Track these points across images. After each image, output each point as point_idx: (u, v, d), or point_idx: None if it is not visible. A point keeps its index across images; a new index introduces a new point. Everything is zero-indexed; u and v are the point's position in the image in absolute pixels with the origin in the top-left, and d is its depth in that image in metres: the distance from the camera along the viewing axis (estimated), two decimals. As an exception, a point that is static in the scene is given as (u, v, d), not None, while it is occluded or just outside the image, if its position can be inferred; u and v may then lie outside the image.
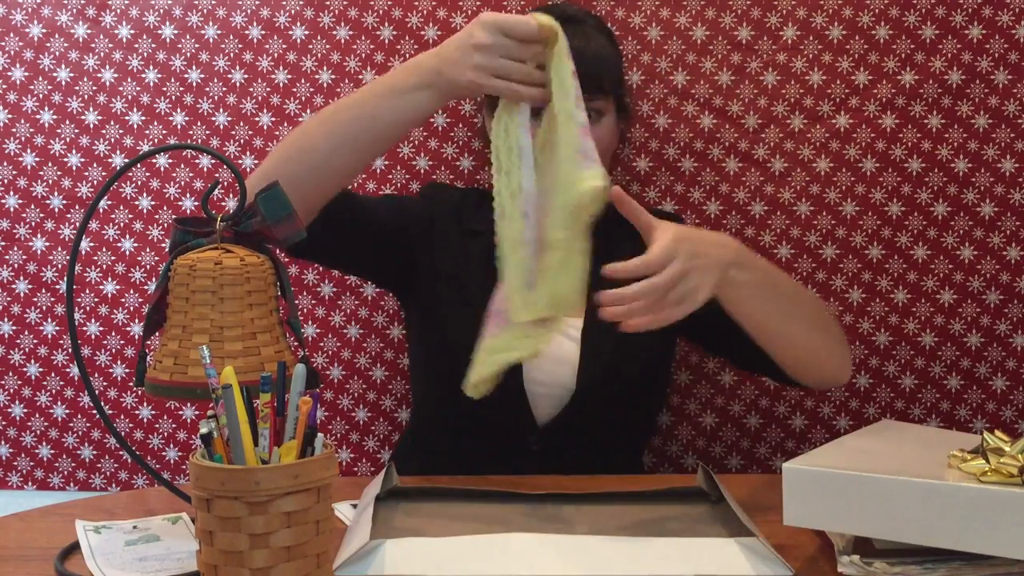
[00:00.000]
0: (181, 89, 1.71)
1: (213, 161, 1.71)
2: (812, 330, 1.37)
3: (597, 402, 1.43)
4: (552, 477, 1.32)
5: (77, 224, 1.71)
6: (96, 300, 1.73)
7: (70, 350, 1.72)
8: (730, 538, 1.06)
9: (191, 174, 1.72)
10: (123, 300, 1.72)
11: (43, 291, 1.73)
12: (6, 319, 1.74)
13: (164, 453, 1.74)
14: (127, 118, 1.71)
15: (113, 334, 1.73)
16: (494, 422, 1.42)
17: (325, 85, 1.70)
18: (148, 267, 1.72)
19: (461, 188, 1.66)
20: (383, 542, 1.04)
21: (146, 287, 1.72)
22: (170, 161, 1.71)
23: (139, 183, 1.71)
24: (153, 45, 1.70)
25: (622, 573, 1.01)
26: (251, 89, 1.70)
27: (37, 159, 1.72)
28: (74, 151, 1.72)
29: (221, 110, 1.71)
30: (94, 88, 1.71)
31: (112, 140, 1.71)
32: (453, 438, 1.47)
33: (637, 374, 1.46)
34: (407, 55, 1.68)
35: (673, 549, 1.04)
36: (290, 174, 1.24)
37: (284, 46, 1.70)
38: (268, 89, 1.70)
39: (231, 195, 1.71)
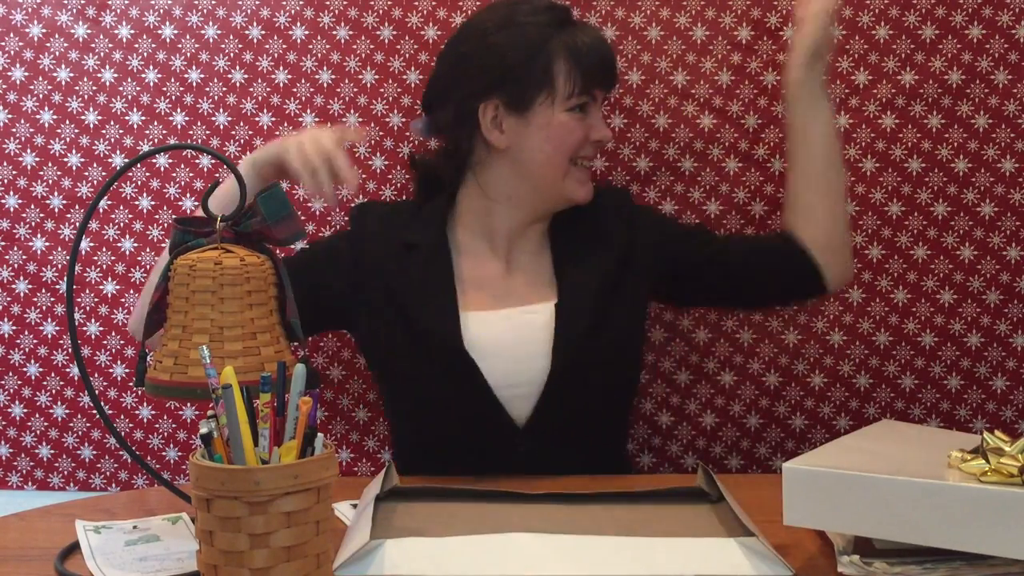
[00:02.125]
0: (181, 89, 1.71)
1: (213, 161, 1.71)
2: (842, 196, 1.54)
3: (572, 388, 1.42)
4: (551, 479, 1.32)
5: (77, 224, 1.71)
6: (96, 300, 1.73)
7: (70, 350, 1.72)
8: (730, 538, 1.06)
9: (191, 174, 1.72)
10: (123, 300, 1.72)
11: (43, 291, 1.73)
12: (6, 319, 1.74)
13: (164, 453, 1.74)
14: (127, 118, 1.71)
15: (113, 334, 1.73)
16: (474, 438, 1.42)
17: (325, 85, 1.70)
18: (148, 267, 1.72)
19: (392, 203, 1.66)
20: (383, 542, 1.04)
21: (146, 287, 1.72)
22: (170, 161, 1.71)
23: (139, 183, 1.71)
24: (153, 45, 1.70)
25: (622, 573, 1.01)
26: (251, 89, 1.70)
27: (37, 159, 1.72)
28: (74, 151, 1.72)
29: (221, 110, 1.71)
30: (94, 88, 1.71)
31: (112, 140, 1.71)
32: (437, 456, 1.46)
33: (611, 355, 1.46)
34: (407, 55, 1.68)
35: (673, 549, 1.04)
36: None
37: (284, 46, 1.70)
38: (268, 89, 1.70)
39: (231, 195, 1.71)
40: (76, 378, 1.74)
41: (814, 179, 1.49)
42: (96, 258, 1.72)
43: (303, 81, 1.70)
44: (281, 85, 1.70)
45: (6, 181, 1.72)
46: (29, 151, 1.72)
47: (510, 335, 1.43)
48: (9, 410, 1.74)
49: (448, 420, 1.44)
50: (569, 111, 1.45)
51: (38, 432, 1.74)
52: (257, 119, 1.70)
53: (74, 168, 1.72)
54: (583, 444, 1.45)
